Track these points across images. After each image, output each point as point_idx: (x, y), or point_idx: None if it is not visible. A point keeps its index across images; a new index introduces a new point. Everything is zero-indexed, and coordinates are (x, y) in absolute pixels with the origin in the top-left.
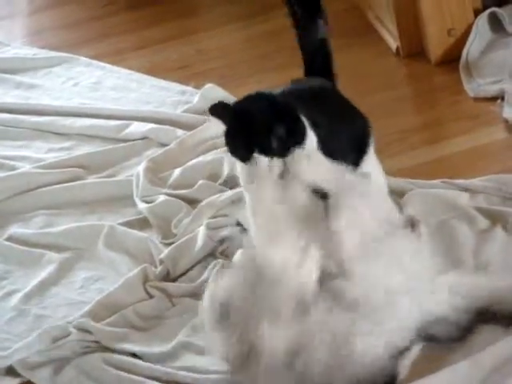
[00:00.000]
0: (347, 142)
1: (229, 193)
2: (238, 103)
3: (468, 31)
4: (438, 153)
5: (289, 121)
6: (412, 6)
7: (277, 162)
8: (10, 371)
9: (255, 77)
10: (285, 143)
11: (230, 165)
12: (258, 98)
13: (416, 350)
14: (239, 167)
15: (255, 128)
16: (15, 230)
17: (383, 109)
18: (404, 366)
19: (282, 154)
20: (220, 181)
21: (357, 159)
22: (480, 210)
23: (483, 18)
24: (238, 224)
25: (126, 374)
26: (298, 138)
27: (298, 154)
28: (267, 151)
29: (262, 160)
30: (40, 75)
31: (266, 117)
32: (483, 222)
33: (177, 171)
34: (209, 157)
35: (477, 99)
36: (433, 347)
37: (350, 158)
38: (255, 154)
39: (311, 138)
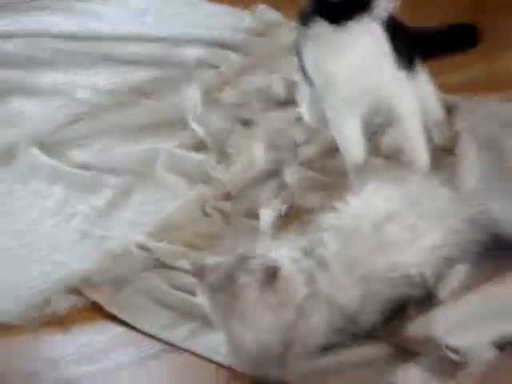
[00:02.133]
0: (405, 44)
1: (286, 112)
2: None
3: None
4: (496, 68)
5: None
6: None
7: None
8: (73, 290)
9: None
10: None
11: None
12: None
13: (461, 270)
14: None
15: None
16: (75, 154)
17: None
18: (448, 285)
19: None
20: (276, 100)
21: (409, 66)
22: None
23: None
24: (296, 143)
25: (182, 293)
26: None
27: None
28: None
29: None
30: (91, 1)
31: None
32: None
33: (231, 92)
34: (261, 77)
35: None
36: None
37: (404, 62)
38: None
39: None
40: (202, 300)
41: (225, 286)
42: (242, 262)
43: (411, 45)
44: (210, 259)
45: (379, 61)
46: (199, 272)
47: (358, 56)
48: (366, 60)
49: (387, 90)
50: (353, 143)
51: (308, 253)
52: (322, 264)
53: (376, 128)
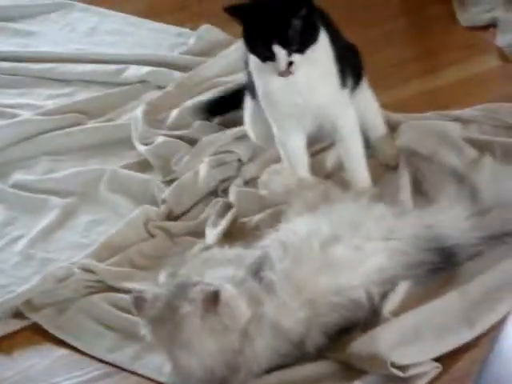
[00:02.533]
0: (348, 61)
1: (229, 130)
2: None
3: None
4: (433, 83)
5: (306, 13)
6: None
7: (296, 57)
8: (17, 314)
9: None
10: (302, 35)
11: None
12: None
13: (403, 287)
14: (254, 66)
15: (273, 20)
16: (19, 176)
17: (378, 41)
18: (391, 303)
19: (299, 48)
20: (217, 120)
21: (354, 84)
22: (469, 140)
23: None
24: (240, 161)
25: (127, 314)
26: (314, 32)
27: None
28: (286, 44)
29: (281, 54)
30: (37, 22)
31: (284, 9)
32: (472, 152)
33: (174, 112)
34: (206, 97)
35: (470, 28)
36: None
37: (349, 81)
38: (274, 48)
39: (324, 36)
40: (145, 332)
41: (166, 317)
42: (182, 290)
43: (358, 61)
44: (149, 291)
45: (321, 81)
46: (138, 304)
47: (299, 77)
48: (307, 81)
49: (329, 109)
50: (297, 159)
51: (254, 273)
52: (269, 287)
53: (320, 145)
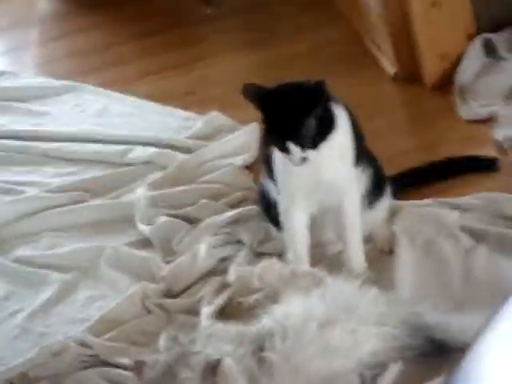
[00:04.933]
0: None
1: (230, 212)
2: (272, 90)
3: (462, 56)
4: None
5: (321, 112)
6: (407, 31)
7: (309, 153)
8: None
9: None
10: (316, 133)
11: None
12: (295, 89)
13: (394, 369)
14: (276, 156)
15: (288, 118)
16: (21, 251)
17: (380, 132)
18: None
19: (313, 146)
20: (222, 200)
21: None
22: (466, 228)
23: (477, 43)
24: (239, 242)
25: None
26: (329, 126)
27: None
28: (299, 142)
29: (295, 151)
30: (48, 103)
31: (299, 106)
32: (468, 242)
33: (177, 192)
34: (208, 178)
35: (470, 122)
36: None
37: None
38: (288, 145)
39: (345, 119)
40: None
41: (165, 381)
42: (183, 357)
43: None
44: (149, 356)
45: (336, 161)
46: (138, 368)
47: (320, 160)
48: (322, 158)
49: (337, 184)
50: (299, 236)
51: (254, 351)
52: (268, 370)
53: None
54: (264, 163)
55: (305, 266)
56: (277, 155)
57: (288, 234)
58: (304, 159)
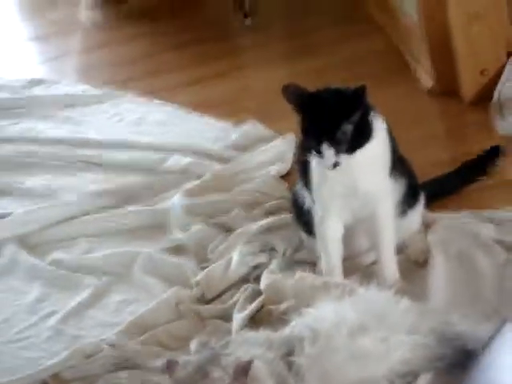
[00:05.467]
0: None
1: (264, 220)
2: (312, 92)
3: (501, 71)
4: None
5: (359, 119)
6: (446, 46)
7: (342, 158)
8: None
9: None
10: (352, 139)
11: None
12: (335, 93)
13: (425, 379)
14: (312, 162)
15: (325, 120)
16: (57, 255)
17: (415, 145)
18: None
19: (348, 151)
20: (257, 210)
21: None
22: (500, 241)
23: None
24: (273, 250)
25: None
26: (366, 135)
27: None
28: (334, 146)
29: (328, 153)
30: (88, 111)
31: (338, 110)
32: (502, 254)
33: (212, 201)
34: (243, 187)
35: (507, 137)
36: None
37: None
38: (323, 146)
39: (384, 132)
40: None
41: (195, 380)
42: (215, 357)
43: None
44: (181, 357)
45: (373, 172)
46: (170, 367)
47: (354, 164)
48: (360, 169)
49: (373, 195)
50: (333, 245)
51: (283, 355)
52: (297, 374)
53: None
54: (300, 171)
55: (338, 276)
56: (313, 162)
57: (322, 244)
58: (336, 164)
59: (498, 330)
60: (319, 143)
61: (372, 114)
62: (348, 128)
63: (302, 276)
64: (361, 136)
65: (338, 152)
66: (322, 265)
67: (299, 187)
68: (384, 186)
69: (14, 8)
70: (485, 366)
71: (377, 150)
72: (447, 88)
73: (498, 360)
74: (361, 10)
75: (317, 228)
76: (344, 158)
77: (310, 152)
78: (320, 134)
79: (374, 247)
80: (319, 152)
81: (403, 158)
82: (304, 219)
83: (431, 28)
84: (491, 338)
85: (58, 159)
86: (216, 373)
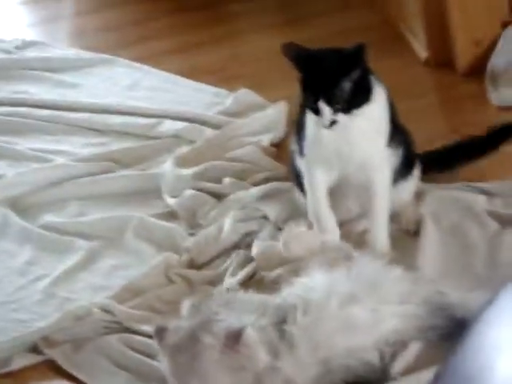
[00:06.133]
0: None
1: (256, 188)
2: (312, 50)
3: (495, 42)
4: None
5: (358, 76)
6: (441, 17)
7: (340, 116)
8: (34, 349)
9: (288, 83)
10: (350, 97)
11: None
12: (335, 51)
13: (414, 348)
14: (308, 119)
15: (324, 77)
16: (48, 218)
17: (410, 116)
18: (401, 362)
19: (345, 110)
20: (248, 179)
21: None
22: (492, 213)
23: (511, 31)
24: (265, 218)
25: (142, 356)
26: (365, 95)
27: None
28: (331, 103)
29: (325, 110)
30: (80, 74)
31: (337, 67)
32: (494, 226)
33: (203, 167)
34: (235, 154)
35: (501, 108)
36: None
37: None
38: (320, 104)
39: (384, 96)
40: (161, 363)
41: (186, 347)
42: (206, 323)
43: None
44: (172, 322)
45: (371, 137)
46: (160, 334)
47: (351, 128)
48: (357, 133)
49: (370, 162)
50: (321, 195)
51: (276, 323)
52: (289, 342)
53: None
54: (296, 130)
55: (329, 226)
56: (309, 118)
57: (310, 194)
58: (334, 122)
59: (489, 301)
60: (316, 100)
61: (373, 77)
62: (346, 85)
63: (298, 232)
64: (359, 95)
65: (335, 110)
66: (310, 215)
67: (295, 148)
68: (381, 155)
69: None
70: (475, 335)
71: (376, 114)
72: (442, 59)
73: (489, 330)
74: None
75: (306, 186)
76: (341, 117)
77: (308, 110)
78: (318, 91)
79: (365, 214)
80: (316, 109)
81: (402, 126)
82: (300, 180)
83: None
84: (482, 308)
85: (49, 122)
86: (207, 339)
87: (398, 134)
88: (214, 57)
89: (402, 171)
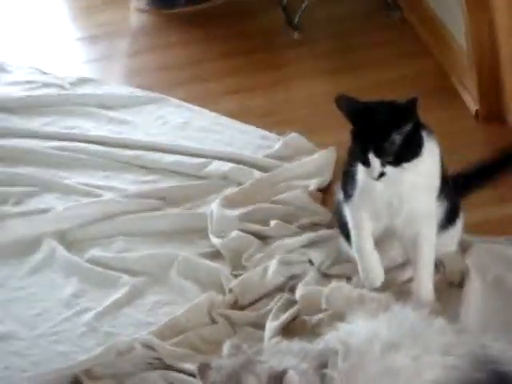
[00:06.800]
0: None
1: (303, 236)
2: (365, 103)
3: None
4: (508, 210)
5: (410, 130)
6: (493, 71)
7: (388, 169)
8: (75, 382)
9: (337, 129)
10: (400, 150)
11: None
12: (387, 104)
13: None
14: (359, 171)
15: (375, 129)
16: (95, 252)
17: (456, 169)
18: None
19: (395, 163)
20: (294, 223)
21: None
22: None
23: None
24: (311, 263)
25: None
26: (415, 149)
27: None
28: (381, 155)
29: (374, 163)
30: (132, 112)
31: (388, 120)
32: None
33: (250, 208)
34: (282, 197)
35: None
36: None
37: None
38: (369, 155)
39: (437, 151)
40: None
41: None
42: (249, 363)
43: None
44: (214, 361)
45: (421, 192)
46: (203, 371)
47: (402, 181)
48: (408, 187)
49: (418, 216)
50: (370, 249)
51: (317, 368)
52: None
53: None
54: (343, 180)
55: (379, 277)
56: (359, 172)
57: (358, 238)
58: (382, 174)
59: None
60: (366, 152)
61: (426, 132)
62: (397, 138)
63: (338, 285)
64: (409, 149)
65: (384, 163)
66: (361, 273)
67: (342, 197)
68: (430, 207)
69: (64, 8)
70: None
71: (427, 169)
72: (493, 113)
73: None
74: (409, 32)
75: (351, 229)
76: (390, 170)
77: (358, 161)
78: (368, 143)
79: (410, 264)
80: (366, 161)
81: (448, 177)
82: (346, 229)
83: (479, 52)
84: None
85: (100, 158)
86: (250, 379)
87: (446, 186)
88: (265, 100)
89: (447, 221)
